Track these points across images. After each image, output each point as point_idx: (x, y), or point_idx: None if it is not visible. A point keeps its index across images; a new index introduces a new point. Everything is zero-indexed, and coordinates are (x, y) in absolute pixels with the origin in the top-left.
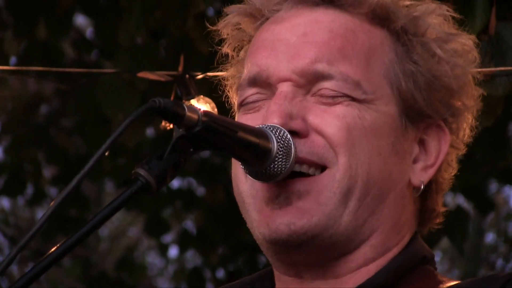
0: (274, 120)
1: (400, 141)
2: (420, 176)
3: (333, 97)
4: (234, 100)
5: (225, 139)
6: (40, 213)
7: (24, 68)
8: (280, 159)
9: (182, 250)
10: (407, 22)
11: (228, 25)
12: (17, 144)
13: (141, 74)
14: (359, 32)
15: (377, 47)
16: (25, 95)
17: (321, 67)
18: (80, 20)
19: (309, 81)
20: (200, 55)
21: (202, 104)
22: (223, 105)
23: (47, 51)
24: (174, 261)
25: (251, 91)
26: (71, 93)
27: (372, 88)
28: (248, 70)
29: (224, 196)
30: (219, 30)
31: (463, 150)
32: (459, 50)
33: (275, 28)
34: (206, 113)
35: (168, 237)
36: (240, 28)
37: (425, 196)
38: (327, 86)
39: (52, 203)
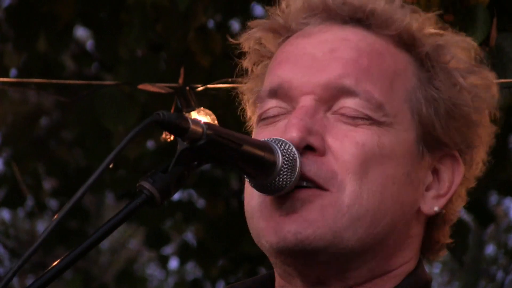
0: (293, 134)
1: (415, 169)
2: (432, 204)
3: (354, 117)
4: (251, 114)
5: (230, 152)
6: (40, 225)
7: (25, 80)
8: (285, 173)
9: (182, 262)
10: (431, 49)
11: (250, 39)
12: (17, 157)
13: (142, 87)
14: (385, 55)
15: (401, 72)
16: (25, 108)
17: (348, 82)
18: (81, 32)
19: (332, 95)
20: (200, 67)
21: (202, 116)
22: (223, 117)
23: (47, 64)
24: (174, 273)
25: (271, 103)
26: (71, 106)
27: (393, 112)
28: (269, 81)
29: (225, 208)
30: (240, 45)
31: (473, 183)
32: (481, 84)
33: (301, 42)
34: (210, 126)
35: (168, 249)
36: (262, 43)
37: (431, 226)
38: (349, 104)
39: (55, 216)
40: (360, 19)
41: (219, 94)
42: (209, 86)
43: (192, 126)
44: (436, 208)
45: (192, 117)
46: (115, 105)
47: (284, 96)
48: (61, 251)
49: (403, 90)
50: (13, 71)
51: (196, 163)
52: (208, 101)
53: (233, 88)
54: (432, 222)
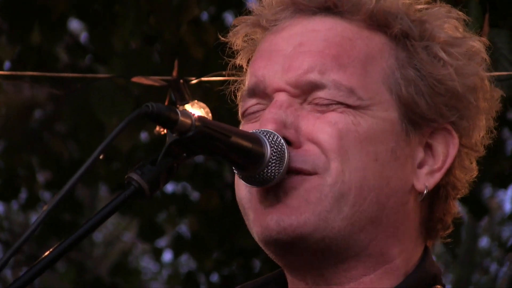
0: (268, 127)
1: (401, 146)
2: (425, 181)
3: (327, 105)
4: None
5: (218, 144)
6: (34, 218)
7: (18, 73)
8: (274, 164)
9: (176, 254)
10: (410, 27)
11: (238, 36)
12: (11, 149)
13: (136, 79)
14: (356, 40)
15: (375, 54)
16: (19, 100)
17: (313, 76)
18: (74, 25)
19: (303, 91)
20: (194, 60)
21: (196, 109)
22: (217, 110)
23: (41, 56)
24: (168, 266)
25: (251, 102)
26: (65, 98)
27: (368, 95)
28: (248, 81)
29: (219, 200)
30: (230, 43)
31: (481, 152)
32: (466, 53)
33: (273, 39)
34: (199, 118)
35: (162, 242)
36: (252, 38)
37: (432, 202)
38: (320, 95)
39: (45, 207)
40: (329, 8)
41: (213, 87)
42: (203, 79)
43: (181, 118)
44: (427, 184)
45: (185, 110)
46: (109, 98)
47: (260, 93)
48: (54, 243)
49: (378, 71)
50: (7, 64)
51: (185, 154)
52: (202, 93)
53: (227, 80)
54: (431, 200)
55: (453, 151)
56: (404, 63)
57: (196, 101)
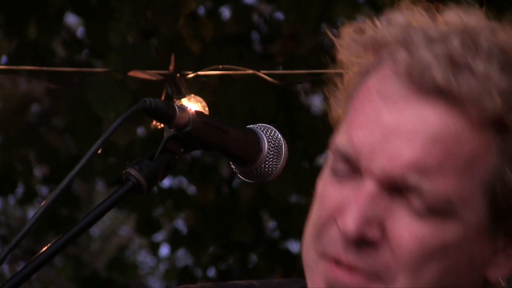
0: (350, 226)
1: (482, 250)
2: (498, 271)
3: (419, 210)
4: (336, 114)
5: (216, 139)
6: (31, 213)
7: (15, 67)
8: (271, 159)
9: (173, 249)
10: None
11: (346, 51)
12: (8, 144)
13: (132, 73)
14: (466, 139)
15: (481, 154)
16: (16, 95)
17: (413, 179)
18: (71, 19)
19: (397, 188)
20: (191, 54)
21: (193, 103)
22: (214, 104)
23: (38, 51)
24: (165, 260)
25: (341, 165)
26: (62, 93)
27: (463, 201)
28: (343, 140)
29: (215, 195)
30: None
31: None
32: None
33: (379, 107)
34: (197, 113)
35: (159, 236)
36: (357, 58)
37: None
38: (414, 198)
39: (43, 203)
40: (445, 93)
41: (209, 81)
42: (199, 73)
43: (179, 113)
44: (502, 275)
45: (183, 104)
46: (106, 92)
47: (352, 165)
48: (52, 238)
49: (479, 174)
50: (3, 58)
51: (182, 150)
52: (199, 88)
53: (224, 75)
54: None
55: None
56: (506, 165)
57: (192, 95)
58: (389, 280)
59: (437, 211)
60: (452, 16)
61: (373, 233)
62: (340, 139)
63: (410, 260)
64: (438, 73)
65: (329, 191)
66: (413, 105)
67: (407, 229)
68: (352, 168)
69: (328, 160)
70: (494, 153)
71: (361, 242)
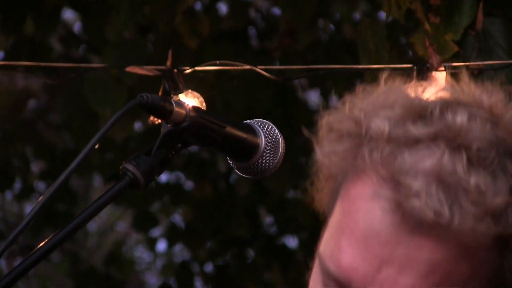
0: None
1: None
2: None
3: None
4: (319, 199)
5: (213, 134)
6: (28, 208)
7: (12, 63)
8: (268, 154)
9: (171, 244)
10: None
11: (325, 149)
12: (5, 140)
13: (129, 69)
14: (463, 262)
15: (480, 268)
16: (13, 91)
17: None
18: (68, 15)
19: None
20: (188, 49)
21: (190, 99)
22: (211, 100)
23: (35, 47)
24: (163, 256)
25: (331, 283)
26: (59, 88)
27: None
28: (332, 261)
29: (212, 190)
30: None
31: None
32: None
33: (368, 236)
34: (194, 109)
35: (156, 232)
36: (336, 156)
37: None
38: None
39: (40, 198)
40: (436, 227)
41: (207, 77)
42: (197, 68)
43: (176, 109)
44: None
45: (180, 100)
46: (103, 88)
47: (340, 284)
48: (49, 234)
49: (479, 281)
50: (0, 54)
51: (180, 145)
52: (196, 83)
53: (221, 70)
54: None
55: None
56: (503, 268)
57: (190, 90)
58: None
59: None
60: (436, 103)
61: None
62: (328, 257)
63: None
64: (429, 211)
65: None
66: (405, 237)
67: None
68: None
69: (316, 265)
70: (495, 256)
71: None
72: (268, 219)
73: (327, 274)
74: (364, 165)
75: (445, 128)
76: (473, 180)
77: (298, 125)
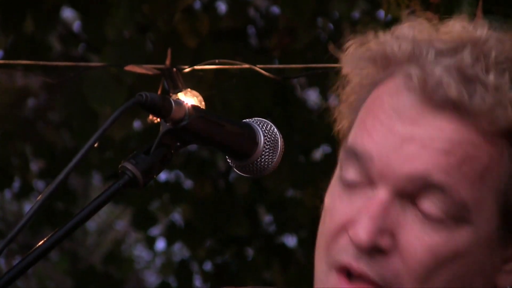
0: (362, 235)
1: (492, 258)
2: (509, 279)
3: (434, 219)
4: (342, 126)
5: (212, 133)
6: (28, 207)
7: (12, 62)
8: (267, 153)
9: (170, 243)
10: None
11: (350, 66)
12: (4, 138)
13: (129, 68)
14: (481, 149)
15: (496, 163)
16: (12, 89)
17: (435, 178)
18: (67, 13)
19: (414, 190)
20: (187, 48)
21: (189, 97)
22: (210, 99)
23: (34, 45)
24: (162, 254)
25: (351, 171)
26: (59, 87)
27: (477, 208)
28: (357, 140)
29: (212, 189)
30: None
31: None
32: None
33: (392, 117)
34: (193, 108)
35: (155, 230)
36: (363, 74)
37: None
38: (431, 202)
39: (39, 197)
40: (458, 107)
41: (206, 75)
42: (196, 67)
43: (175, 107)
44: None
45: (179, 99)
46: (102, 87)
47: (362, 166)
48: (48, 232)
49: (493, 180)
50: (0, 53)
51: (179, 144)
52: (195, 82)
53: (220, 69)
54: None
55: None
56: None
57: (189, 89)
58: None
59: (452, 217)
60: (457, 27)
61: (385, 242)
62: (353, 139)
63: (420, 270)
64: (451, 88)
65: (338, 203)
66: (427, 117)
67: (419, 239)
68: (363, 175)
69: (337, 170)
70: (507, 162)
71: (372, 251)
72: (267, 218)
73: (349, 156)
74: (395, 65)
75: (466, 36)
76: (491, 77)
77: (297, 124)
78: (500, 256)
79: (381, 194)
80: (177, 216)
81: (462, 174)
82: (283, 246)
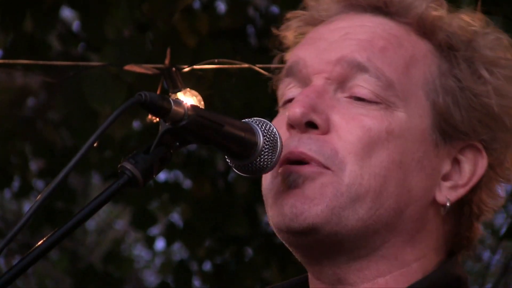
0: (296, 109)
1: (428, 156)
2: (448, 194)
3: (364, 100)
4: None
5: (211, 133)
6: (27, 206)
7: (11, 61)
8: (266, 153)
9: (169, 242)
10: (456, 39)
11: (290, 32)
12: (4, 137)
13: (128, 67)
14: (403, 40)
15: (419, 58)
16: (11, 88)
17: (359, 57)
18: (67, 13)
19: (344, 71)
20: (186, 48)
21: (188, 97)
22: (210, 98)
23: (34, 44)
24: (161, 254)
25: (288, 81)
26: (58, 86)
27: (405, 95)
28: (287, 62)
29: (211, 189)
30: (281, 36)
31: (509, 181)
32: (509, 76)
33: (320, 29)
34: (192, 107)
35: (155, 230)
36: (303, 35)
37: (457, 218)
38: (360, 82)
39: (39, 196)
40: (379, 8)
41: (205, 75)
42: (195, 66)
43: (174, 107)
44: (449, 198)
45: (178, 98)
46: (101, 86)
47: (298, 74)
48: (48, 232)
49: (419, 76)
50: None
51: (178, 143)
52: (194, 81)
53: (220, 69)
54: (458, 215)
55: (480, 170)
56: (445, 72)
57: (188, 89)
58: (338, 168)
59: (382, 98)
60: None
61: (320, 118)
62: (288, 62)
63: (358, 145)
64: None
65: (282, 119)
66: (351, 18)
67: (353, 118)
68: (298, 76)
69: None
70: (431, 62)
71: (309, 128)
72: (266, 218)
73: (287, 73)
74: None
75: None
76: None
77: None
78: (437, 164)
79: (315, 80)
80: (176, 216)
81: (386, 58)
82: (282, 246)
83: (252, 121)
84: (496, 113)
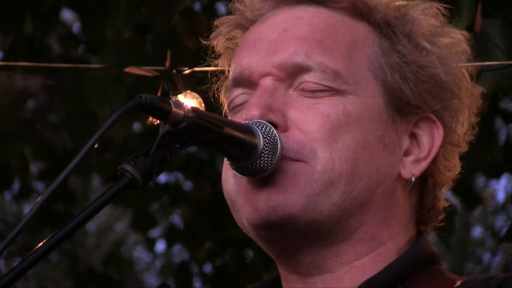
0: (254, 112)
1: (388, 134)
2: (412, 169)
3: (314, 91)
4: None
5: (211, 135)
6: (27, 208)
7: (11, 63)
8: (266, 155)
9: (169, 244)
10: (391, 16)
11: (220, 38)
12: (4, 140)
13: (128, 69)
14: (340, 26)
15: (359, 41)
16: (12, 91)
17: (299, 59)
18: (67, 15)
19: (289, 74)
20: (186, 50)
21: (189, 99)
22: (210, 100)
23: (34, 47)
24: (161, 256)
25: (237, 91)
26: (58, 89)
27: (354, 79)
28: (232, 71)
29: (211, 190)
30: (213, 46)
31: (464, 148)
32: (447, 43)
33: (257, 28)
34: (192, 109)
35: (155, 232)
36: (232, 40)
37: (421, 191)
38: (307, 78)
39: (39, 198)
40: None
41: (205, 77)
42: (195, 69)
43: (174, 109)
44: (413, 172)
45: (178, 100)
46: (101, 88)
47: (246, 82)
48: (47, 234)
49: (363, 58)
50: None
51: (178, 145)
52: (195, 84)
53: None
54: (421, 188)
55: (438, 141)
56: (387, 50)
57: (189, 91)
58: (310, 158)
59: (332, 88)
60: None
61: (277, 117)
62: (230, 76)
63: (321, 132)
64: None
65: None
66: (286, 12)
67: (309, 109)
68: (246, 84)
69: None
70: (372, 42)
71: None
72: None
73: (234, 84)
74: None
75: None
76: None
77: None
78: (397, 140)
79: (264, 82)
80: (176, 218)
81: (327, 50)
82: None
83: (252, 123)
84: (444, 82)
